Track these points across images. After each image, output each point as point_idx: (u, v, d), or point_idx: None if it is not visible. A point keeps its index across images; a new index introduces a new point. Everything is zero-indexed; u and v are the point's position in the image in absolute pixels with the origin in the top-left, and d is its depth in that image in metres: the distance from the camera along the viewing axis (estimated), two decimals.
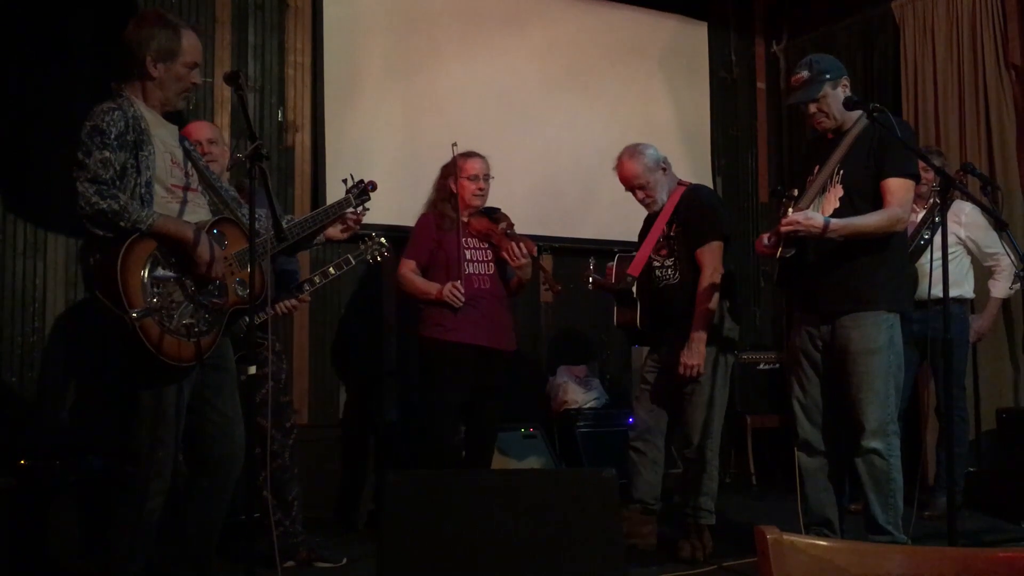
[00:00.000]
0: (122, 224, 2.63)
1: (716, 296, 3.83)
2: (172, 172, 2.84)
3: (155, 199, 2.76)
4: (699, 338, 3.78)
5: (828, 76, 3.38)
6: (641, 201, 4.06)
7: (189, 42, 2.86)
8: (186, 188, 2.89)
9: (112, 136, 2.68)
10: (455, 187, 4.11)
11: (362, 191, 3.46)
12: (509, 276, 4.20)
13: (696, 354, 3.78)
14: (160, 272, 2.70)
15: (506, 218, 4.13)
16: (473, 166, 4.12)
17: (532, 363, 5.59)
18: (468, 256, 4.07)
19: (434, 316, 4.05)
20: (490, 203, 4.22)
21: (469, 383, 4.01)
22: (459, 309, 3.99)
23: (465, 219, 4.11)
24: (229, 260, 2.86)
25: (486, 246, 4.14)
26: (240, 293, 2.85)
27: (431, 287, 4.02)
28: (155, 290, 2.68)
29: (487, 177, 4.15)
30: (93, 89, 4.34)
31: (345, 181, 3.49)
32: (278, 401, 3.62)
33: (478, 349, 4.01)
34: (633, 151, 4.01)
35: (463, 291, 3.97)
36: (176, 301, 2.72)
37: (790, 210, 3.25)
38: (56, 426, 4.31)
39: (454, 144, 4.09)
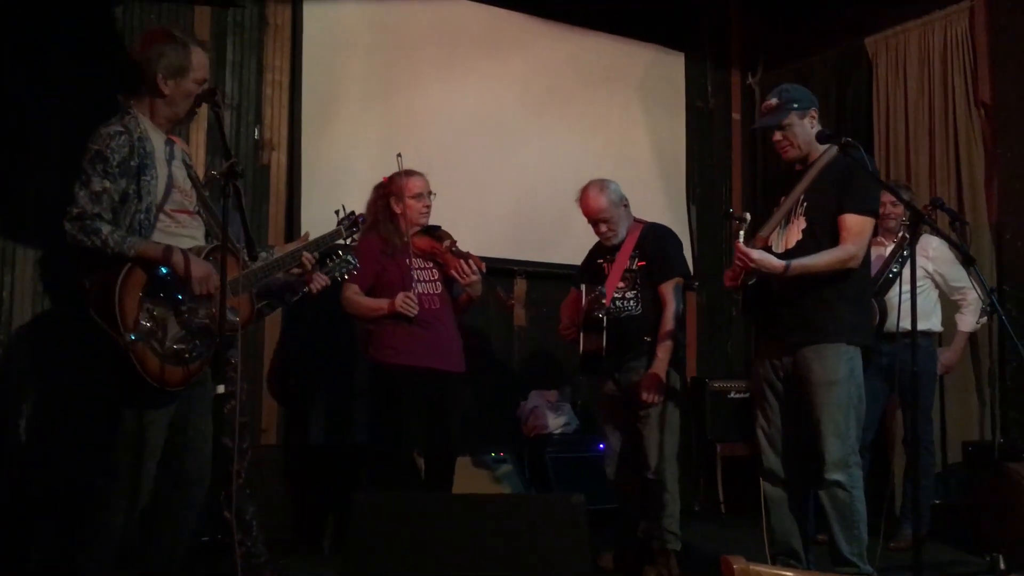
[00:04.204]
0: (108, 253, 2.67)
1: (679, 330, 4.01)
2: (172, 197, 2.87)
3: (155, 225, 2.79)
4: (664, 368, 3.90)
5: (796, 106, 3.41)
6: (602, 234, 4.14)
7: (198, 59, 2.90)
8: (185, 211, 2.91)
9: (114, 163, 2.72)
10: (398, 207, 4.02)
11: (352, 223, 3.45)
12: (456, 294, 4.12)
13: (661, 382, 3.88)
14: (157, 297, 2.73)
15: (448, 235, 4.04)
16: (416, 184, 4.03)
17: (504, 387, 5.58)
18: (416, 276, 3.97)
19: (385, 338, 3.94)
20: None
21: (424, 406, 3.93)
22: (410, 331, 3.90)
23: (406, 239, 4.01)
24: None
25: (431, 265, 4.04)
26: (231, 318, 2.85)
27: (381, 303, 3.92)
28: (149, 315, 2.71)
29: (430, 194, 4.07)
30: (69, 102, 4.33)
31: (337, 212, 3.48)
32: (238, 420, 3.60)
33: (431, 372, 3.93)
34: (602, 186, 4.10)
35: (416, 301, 3.89)
36: (169, 327, 2.75)
37: (741, 233, 3.25)
38: (18, 440, 4.24)
39: (399, 155, 3.96)
